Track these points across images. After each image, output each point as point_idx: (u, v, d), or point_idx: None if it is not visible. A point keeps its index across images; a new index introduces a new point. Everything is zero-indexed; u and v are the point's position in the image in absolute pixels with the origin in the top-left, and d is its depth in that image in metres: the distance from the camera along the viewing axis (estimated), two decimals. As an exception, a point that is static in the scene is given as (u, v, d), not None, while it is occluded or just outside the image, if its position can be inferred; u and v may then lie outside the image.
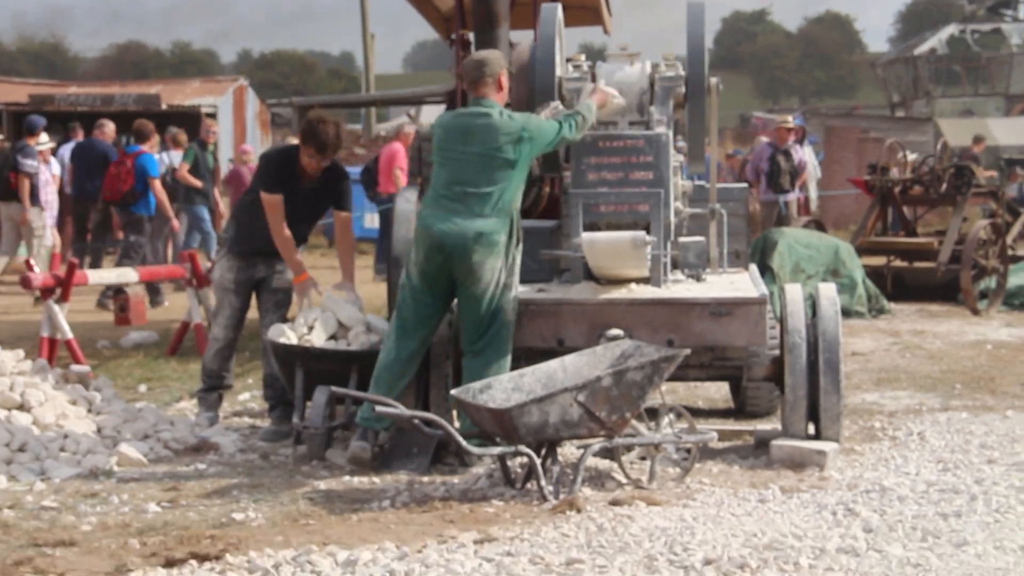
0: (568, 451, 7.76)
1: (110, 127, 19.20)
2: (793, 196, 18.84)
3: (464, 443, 6.98)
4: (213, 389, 9.15)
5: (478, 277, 7.64)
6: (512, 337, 7.77)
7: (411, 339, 7.78)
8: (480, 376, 7.54)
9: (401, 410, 7.12)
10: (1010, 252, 16.53)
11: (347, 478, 7.51)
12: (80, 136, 20.14)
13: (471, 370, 7.68)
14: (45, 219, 16.96)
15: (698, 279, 8.44)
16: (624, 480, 7.23)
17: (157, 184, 16.39)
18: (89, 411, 8.51)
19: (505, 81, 8.00)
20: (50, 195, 17.26)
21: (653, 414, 7.43)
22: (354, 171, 18.09)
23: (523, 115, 7.90)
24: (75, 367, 9.15)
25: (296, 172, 8.77)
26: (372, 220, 22.02)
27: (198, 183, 17.86)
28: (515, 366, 7.78)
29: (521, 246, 7.84)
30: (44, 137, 17.37)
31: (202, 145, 18.44)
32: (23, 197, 16.37)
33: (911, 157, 17.89)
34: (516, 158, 7.73)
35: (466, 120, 7.85)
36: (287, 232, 8.76)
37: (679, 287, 8.16)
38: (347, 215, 9.06)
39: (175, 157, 20.41)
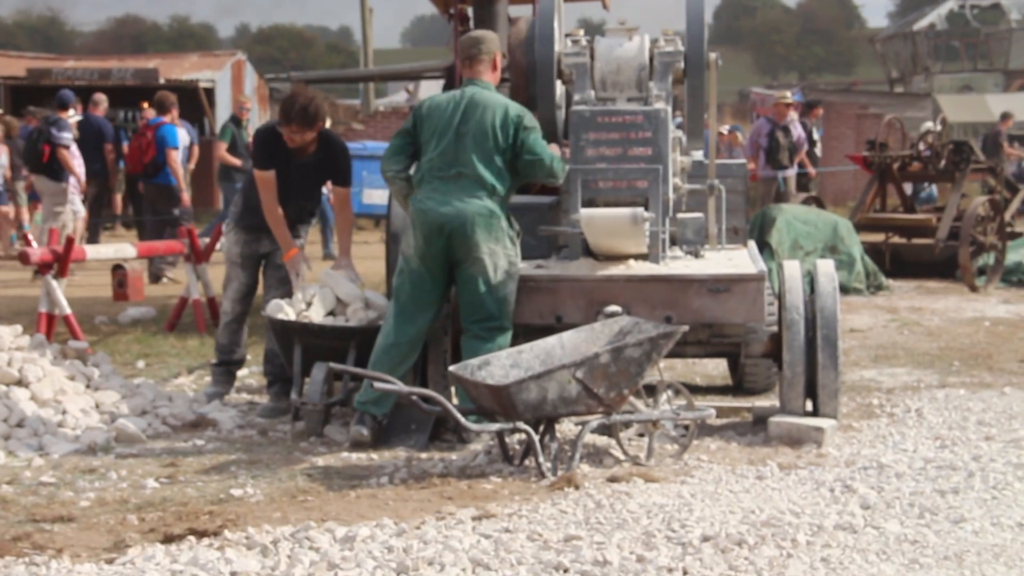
0: (566, 428, 7.77)
1: (104, 103, 19.25)
2: (792, 172, 18.82)
3: (462, 420, 6.99)
4: (223, 364, 9.17)
5: (477, 258, 7.63)
6: (511, 325, 7.76)
7: (410, 325, 7.76)
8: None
9: (399, 386, 7.12)
10: (1008, 229, 16.52)
11: (345, 454, 7.52)
12: (79, 110, 20.10)
13: (470, 352, 7.66)
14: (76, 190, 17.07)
15: (696, 255, 8.43)
16: (622, 457, 7.24)
17: (173, 156, 16.47)
18: (87, 387, 8.51)
19: (499, 62, 7.98)
20: (78, 168, 17.33)
21: (651, 391, 7.43)
22: (354, 147, 18.05)
23: (520, 106, 7.89)
24: (73, 343, 9.15)
25: (289, 148, 8.75)
26: (370, 196, 21.98)
27: (237, 162, 17.86)
28: (513, 342, 7.78)
29: (519, 242, 7.81)
30: (72, 111, 17.48)
31: (237, 122, 18.50)
32: (70, 168, 16.46)
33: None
34: (508, 144, 7.71)
35: (460, 99, 7.83)
36: (278, 209, 8.76)
37: (677, 264, 8.15)
38: (344, 190, 9.04)
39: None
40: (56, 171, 16.47)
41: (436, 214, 7.64)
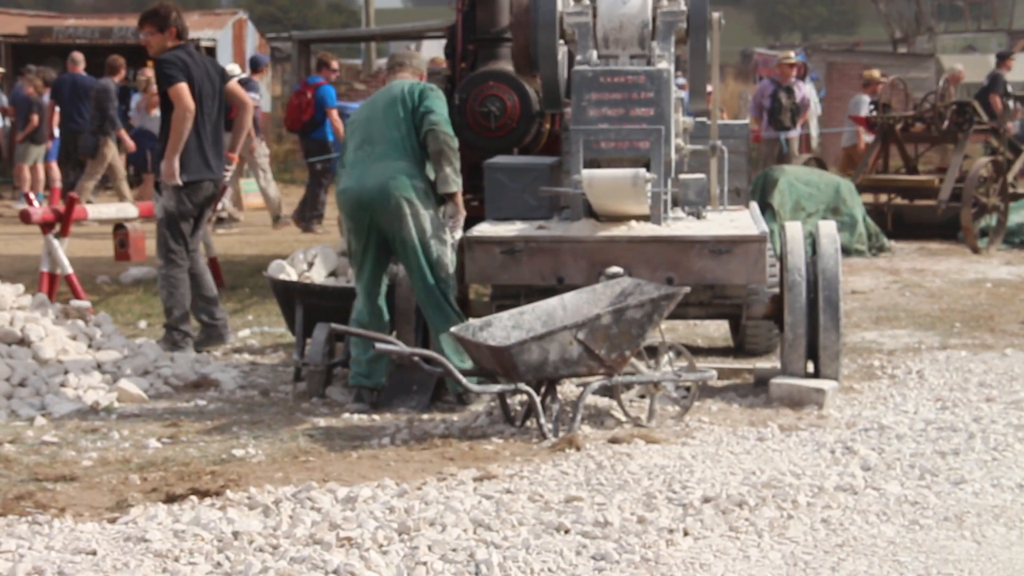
0: (567, 389, 7.78)
1: (82, 62, 19.52)
2: (795, 133, 18.77)
3: (464, 380, 6.99)
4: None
5: (404, 221, 7.63)
6: (454, 281, 7.79)
7: (371, 301, 7.84)
8: (439, 325, 7.58)
9: (400, 347, 7.13)
10: (1011, 190, 16.48)
11: (347, 415, 7.53)
12: (80, 69, 20.13)
13: (431, 324, 7.75)
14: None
15: (698, 217, 8.42)
16: (623, 418, 7.25)
17: (334, 114, 17.35)
18: (89, 346, 8.52)
19: (421, 77, 8.18)
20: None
21: (652, 352, 7.43)
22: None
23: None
24: (75, 302, 9.15)
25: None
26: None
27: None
28: (514, 304, 7.79)
29: (435, 201, 7.82)
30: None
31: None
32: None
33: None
34: (414, 105, 7.79)
35: (376, 94, 8.06)
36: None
37: (679, 225, 8.14)
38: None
39: None
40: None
41: (355, 189, 7.71)
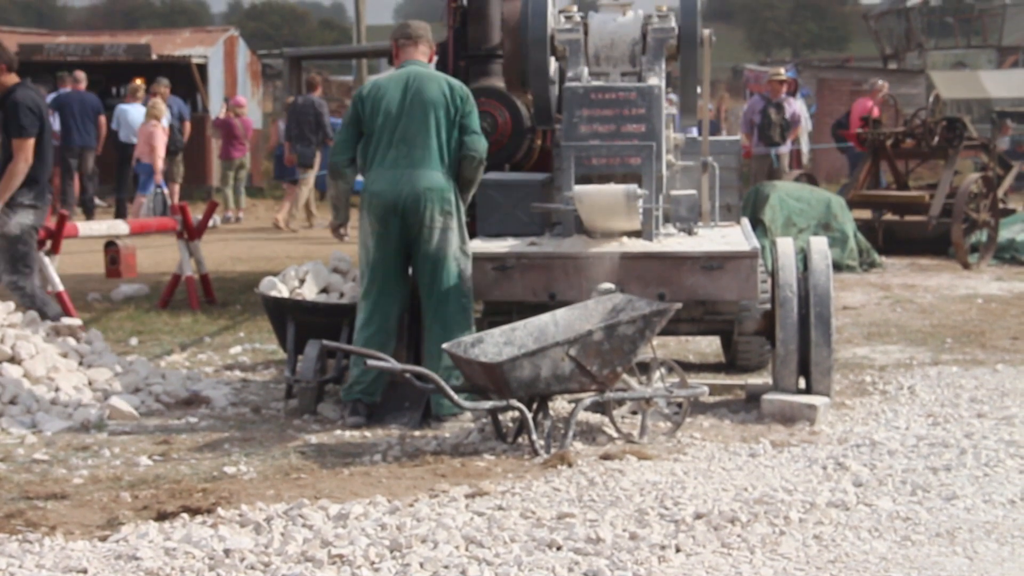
0: (559, 405, 7.78)
1: (84, 80, 19.70)
2: (785, 149, 18.79)
3: (456, 397, 6.98)
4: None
5: (433, 233, 7.63)
6: (471, 299, 7.78)
7: (381, 310, 7.78)
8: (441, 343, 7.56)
9: (392, 364, 7.12)
10: (1001, 205, 16.51)
11: (339, 432, 7.52)
12: (82, 87, 20.27)
13: (432, 337, 7.71)
14: None
15: (690, 233, 8.43)
16: (615, 434, 7.24)
17: None
18: (80, 364, 8.50)
19: (433, 51, 8.11)
20: None
21: (644, 368, 7.43)
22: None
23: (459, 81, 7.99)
24: (66, 319, 9.13)
25: None
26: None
27: None
28: (506, 320, 7.78)
29: (464, 216, 7.82)
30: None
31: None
32: None
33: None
34: (456, 116, 7.74)
35: (404, 79, 7.84)
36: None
37: (671, 241, 8.15)
38: (18, 141, 9.04)
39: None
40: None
41: (389, 194, 7.65)
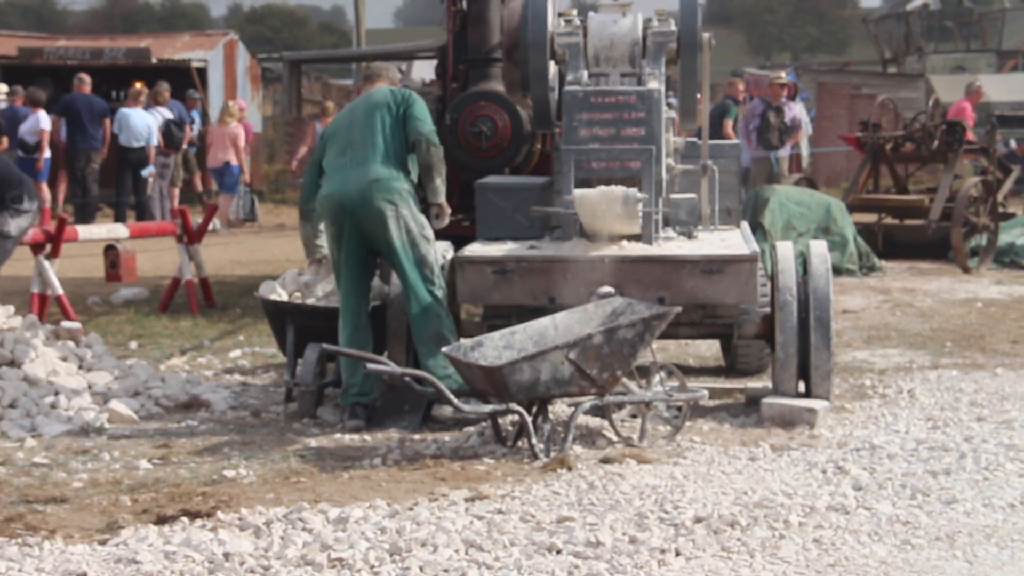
0: (559, 409, 7.77)
1: (89, 82, 19.69)
2: (784, 153, 18.78)
3: (456, 401, 6.98)
4: None
5: (385, 224, 7.69)
6: (441, 289, 7.82)
7: (352, 314, 7.88)
8: (425, 327, 7.62)
9: (392, 367, 7.12)
10: (1001, 209, 16.50)
11: (338, 436, 7.52)
12: (86, 89, 20.31)
13: (413, 324, 7.80)
14: None
15: (689, 236, 8.42)
16: (615, 438, 7.24)
17: None
18: (80, 368, 8.50)
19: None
20: None
21: (644, 372, 7.43)
22: None
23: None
24: (66, 323, 9.13)
25: None
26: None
27: None
28: (506, 324, 7.78)
29: (416, 203, 7.88)
30: None
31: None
32: None
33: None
34: (399, 112, 7.86)
35: (354, 104, 8.12)
36: None
37: (670, 244, 8.15)
38: None
39: (164, 112, 20.54)
40: None
41: (337, 193, 7.76)
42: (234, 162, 20.51)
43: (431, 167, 7.87)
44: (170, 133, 20.50)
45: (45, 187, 19.90)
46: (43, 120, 19.32)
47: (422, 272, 7.75)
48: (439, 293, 7.78)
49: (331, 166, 7.90)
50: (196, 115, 22.62)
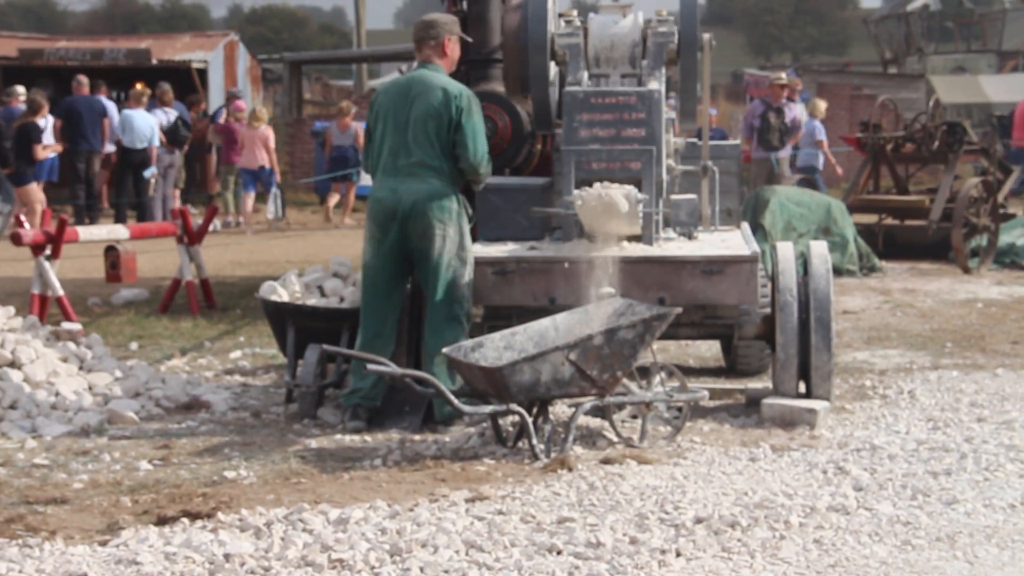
0: (559, 410, 7.77)
1: (87, 84, 19.73)
2: (785, 153, 18.78)
3: (456, 402, 6.98)
4: None
5: (431, 240, 7.64)
6: (470, 304, 7.79)
7: (379, 316, 7.80)
8: (439, 342, 7.56)
9: (392, 368, 7.12)
10: (1001, 210, 16.50)
11: (339, 436, 7.52)
12: (86, 91, 20.32)
13: (426, 342, 7.74)
14: None
15: (690, 237, 8.42)
16: (615, 439, 7.24)
17: None
18: (80, 369, 8.50)
19: (451, 48, 7.99)
20: None
21: (644, 372, 7.43)
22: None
23: (461, 86, 7.93)
24: (66, 324, 9.14)
25: None
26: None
27: None
28: (506, 324, 7.78)
29: (468, 223, 7.83)
30: None
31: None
32: None
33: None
34: (451, 123, 7.73)
35: (407, 85, 7.89)
36: None
37: (671, 245, 8.15)
38: None
39: (171, 114, 20.57)
40: None
41: (389, 201, 7.70)
42: (267, 164, 20.72)
43: (478, 183, 7.99)
44: (176, 131, 20.53)
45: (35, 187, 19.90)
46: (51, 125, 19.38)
47: (451, 292, 7.71)
48: (462, 316, 7.75)
49: (383, 166, 7.80)
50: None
